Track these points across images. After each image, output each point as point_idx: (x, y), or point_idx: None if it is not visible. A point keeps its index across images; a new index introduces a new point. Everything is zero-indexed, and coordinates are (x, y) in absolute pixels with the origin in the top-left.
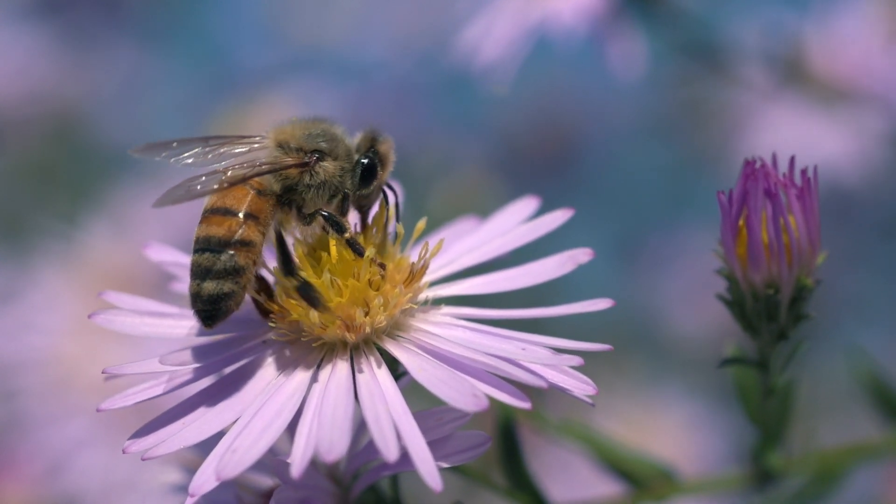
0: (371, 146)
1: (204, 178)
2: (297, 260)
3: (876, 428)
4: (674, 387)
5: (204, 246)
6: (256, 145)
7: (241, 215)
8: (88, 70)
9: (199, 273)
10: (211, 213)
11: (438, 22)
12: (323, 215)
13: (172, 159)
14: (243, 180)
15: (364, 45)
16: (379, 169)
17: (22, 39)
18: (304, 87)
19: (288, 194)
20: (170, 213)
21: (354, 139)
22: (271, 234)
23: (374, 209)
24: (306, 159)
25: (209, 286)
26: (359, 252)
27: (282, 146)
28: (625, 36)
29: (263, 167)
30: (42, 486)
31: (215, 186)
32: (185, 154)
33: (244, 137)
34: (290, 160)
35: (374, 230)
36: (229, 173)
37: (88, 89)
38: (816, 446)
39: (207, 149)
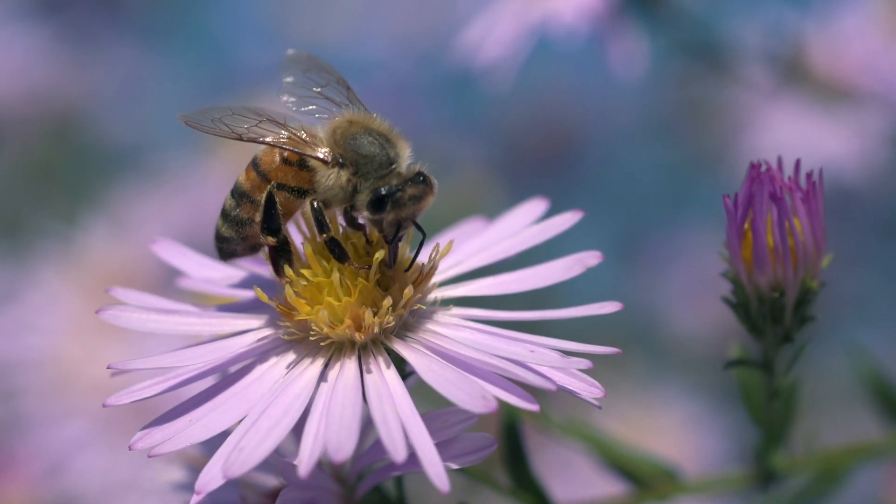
0: (399, 183)
1: (243, 125)
2: (329, 227)
3: (878, 427)
4: (675, 386)
5: (231, 188)
6: (326, 118)
7: (259, 174)
8: (88, 70)
9: (220, 211)
10: (250, 164)
11: (438, 21)
12: (313, 207)
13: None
14: (253, 142)
15: (364, 44)
16: (388, 207)
17: (21, 39)
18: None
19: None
20: (170, 213)
21: (410, 166)
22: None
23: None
24: (324, 157)
25: (219, 223)
26: (338, 256)
27: (333, 133)
28: (626, 35)
29: (280, 141)
30: (41, 487)
31: (233, 135)
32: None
33: (338, 106)
34: (308, 149)
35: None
36: (248, 130)
37: (88, 89)
38: (819, 446)
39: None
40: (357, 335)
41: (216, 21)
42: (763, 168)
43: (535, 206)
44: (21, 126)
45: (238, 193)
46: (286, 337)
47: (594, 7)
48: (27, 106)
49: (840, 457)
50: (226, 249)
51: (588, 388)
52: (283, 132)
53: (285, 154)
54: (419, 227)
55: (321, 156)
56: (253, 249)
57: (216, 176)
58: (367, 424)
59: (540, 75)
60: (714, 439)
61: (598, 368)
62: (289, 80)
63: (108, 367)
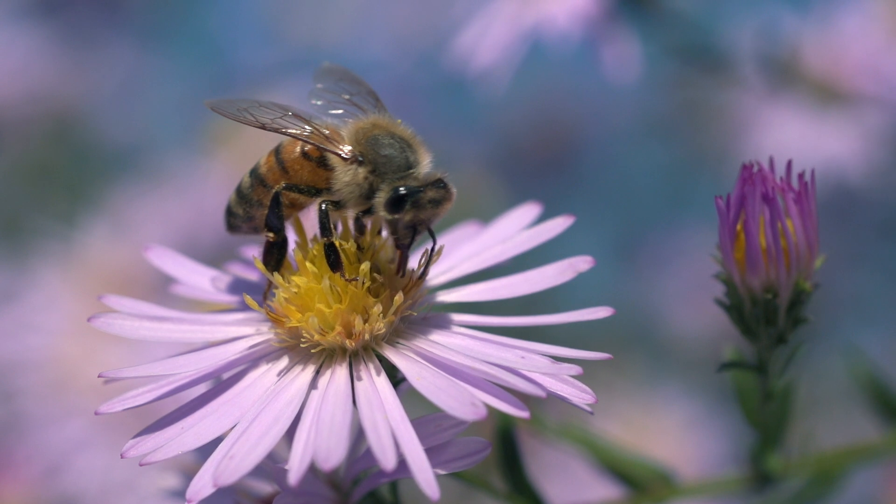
0: (419, 185)
1: (268, 116)
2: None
3: (874, 428)
4: (673, 387)
5: (251, 168)
6: (351, 120)
7: (278, 162)
8: (88, 70)
9: (236, 186)
10: (273, 150)
11: (438, 22)
12: (319, 209)
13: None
14: (276, 132)
15: (363, 45)
16: (408, 206)
17: (21, 39)
18: (303, 86)
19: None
20: (170, 214)
21: (429, 172)
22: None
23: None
24: (344, 154)
25: (232, 197)
26: (332, 262)
27: (356, 133)
28: (619, 39)
29: (302, 134)
30: (40, 487)
31: (257, 124)
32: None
33: (365, 112)
34: (328, 144)
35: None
36: (273, 121)
37: (88, 89)
38: (815, 448)
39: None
40: (348, 342)
41: (216, 21)
42: (755, 169)
43: (528, 211)
44: (21, 126)
45: (255, 175)
46: (278, 344)
47: (587, 11)
48: (27, 106)
49: (837, 458)
50: (233, 224)
51: (579, 395)
52: (306, 126)
53: (306, 148)
54: (432, 234)
55: (341, 152)
56: (255, 231)
57: (216, 177)
58: (362, 430)
59: (538, 77)
60: (713, 441)
61: (596, 370)
62: (320, 86)
63: (99, 376)
